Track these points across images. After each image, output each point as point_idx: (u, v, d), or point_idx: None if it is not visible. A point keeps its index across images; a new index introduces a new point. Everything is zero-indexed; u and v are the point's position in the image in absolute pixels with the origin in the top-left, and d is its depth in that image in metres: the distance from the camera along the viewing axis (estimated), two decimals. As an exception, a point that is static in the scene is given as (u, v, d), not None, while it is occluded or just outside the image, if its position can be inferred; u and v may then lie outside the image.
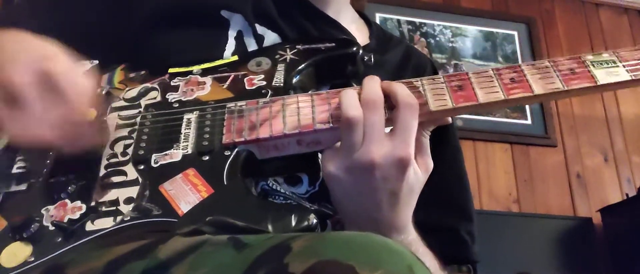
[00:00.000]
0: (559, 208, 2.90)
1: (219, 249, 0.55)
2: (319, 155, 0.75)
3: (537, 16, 3.33)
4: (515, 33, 3.27)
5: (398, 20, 3.07)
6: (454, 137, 0.96)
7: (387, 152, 0.67)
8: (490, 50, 3.19)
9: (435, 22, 3.17)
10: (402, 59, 0.98)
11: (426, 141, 0.73)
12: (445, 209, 0.88)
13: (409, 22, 3.11)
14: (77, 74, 0.66)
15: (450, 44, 3.15)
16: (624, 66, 0.73)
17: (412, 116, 0.68)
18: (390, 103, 0.69)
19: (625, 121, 3.20)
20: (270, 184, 0.76)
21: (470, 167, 2.81)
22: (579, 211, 2.91)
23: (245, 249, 0.54)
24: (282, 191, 0.76)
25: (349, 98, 0.69)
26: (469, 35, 3.20)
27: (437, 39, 3.14)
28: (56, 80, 0.63)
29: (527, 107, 3.05)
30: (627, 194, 2.92)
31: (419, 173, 0.70)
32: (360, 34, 0.96)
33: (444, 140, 0.93)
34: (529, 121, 3.04)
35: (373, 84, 0.70)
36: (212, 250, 0.56)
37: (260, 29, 0.86)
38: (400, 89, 0.70)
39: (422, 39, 3.09)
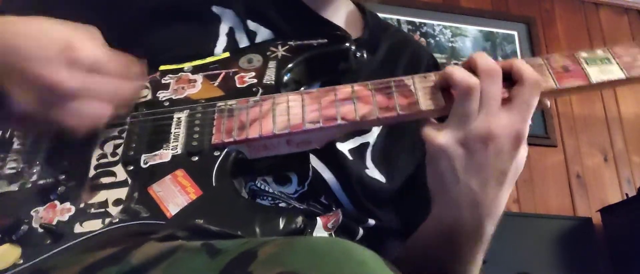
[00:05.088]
0: (559, 208, 2.90)
1: (192, 256, 0.54)
2: (310, 154, 0.74)
3: (536, 16, 3.33)
4: (515, 33, 3.26)
5: (398, 20, 3.07)
6: None
7: (505, 125, 0.65)
8: (490, 50, 3.18)
9: (435, 22, 3.17)
10: (397, 48, 0.97)
11: None
12: None
13: (409, 22, 3.10)
14: (99, 44, 0.67)
15: (450, 44, 3.14)
16: (617, 64, 0.72)
17: (536, 93, 0.67)
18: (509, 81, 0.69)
19: (625, 121, 3.19)
20: (259, 185, 0.75)
21: (470, 168, 2.79)
22: (579, 211, 2.90)
23: (218, 256, 0.53)
24: (270, 191, 0.75)
25: (460, 69, 0.68)
26: (468, 35, 3.20)
27: (437, 39, 3.13)
28: (89, 61, 0.64)
29: (526, 107, 3.04)
30: (627, 194, 2.91)
31: (524, 156, 0.69)
32: (354, 27, 0.95)
33: None
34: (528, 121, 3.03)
35: (488, 57, 0.68)
36: (185, 256, 0.55)
37: (252, 25, 0.85)
38: (524, 65, 0.68)
39: (422, 39, 3.09)
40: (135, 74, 0.70)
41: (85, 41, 0.66)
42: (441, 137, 0.66)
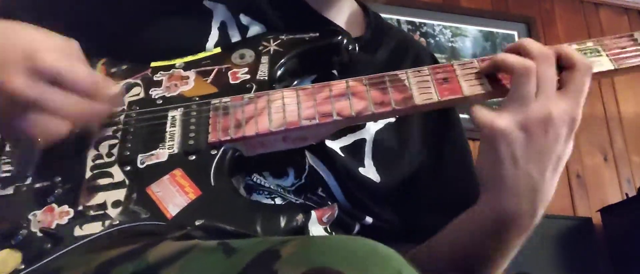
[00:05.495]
0: (559, 208, 2.89)
1: (208, 255, 0.54)
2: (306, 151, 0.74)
3: (536, 16, 3.32)
4: (515, 33, 3.26)
5: (398, 20, 3.06)
6: (462, 136, 0.95)
7: (563, 109, 0.65)
8: (490, 50, 3.18)
9: (435, 22, 3.16)
10: (400, 49, 0.96)
11: None
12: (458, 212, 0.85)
13: (409, 22, 3.10)
14: (68, 56, 0.64)
15: (450, 44, 3.14)
16: (607, 55, 0.73)
17: (588, 78, 0.67)
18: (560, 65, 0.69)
19: (625, 120, 3.18)
20: (255, 179, 0.75)
21: (470, 168, 2.79)
22: (579, 211, 2.90)
23: (234, 255, 0.53)
24: (266, 185, 0.75)
25: (511, 54, 0.68)
26: (468, 35, 3.19)
27: (437, 39, 3.13)
28: (51, 72, 0.62)
29: (526, 106, 3.04)
30: (627, 194, 2.91)
31: (572, 146, 0.69)
32: (356, 26, 0.94)
33: (451, 139, 0.92)
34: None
35: (537, 43, 0.69)
36: (202, 255, 0.54)
37: (244, 19, 0.84)
38: (574, 51, 0.69)
39: (422, 39, 3.09)
40: (109, 94, 0.67)
41: (50, 52, 0.63)
42: (501, 120, 0.66)
